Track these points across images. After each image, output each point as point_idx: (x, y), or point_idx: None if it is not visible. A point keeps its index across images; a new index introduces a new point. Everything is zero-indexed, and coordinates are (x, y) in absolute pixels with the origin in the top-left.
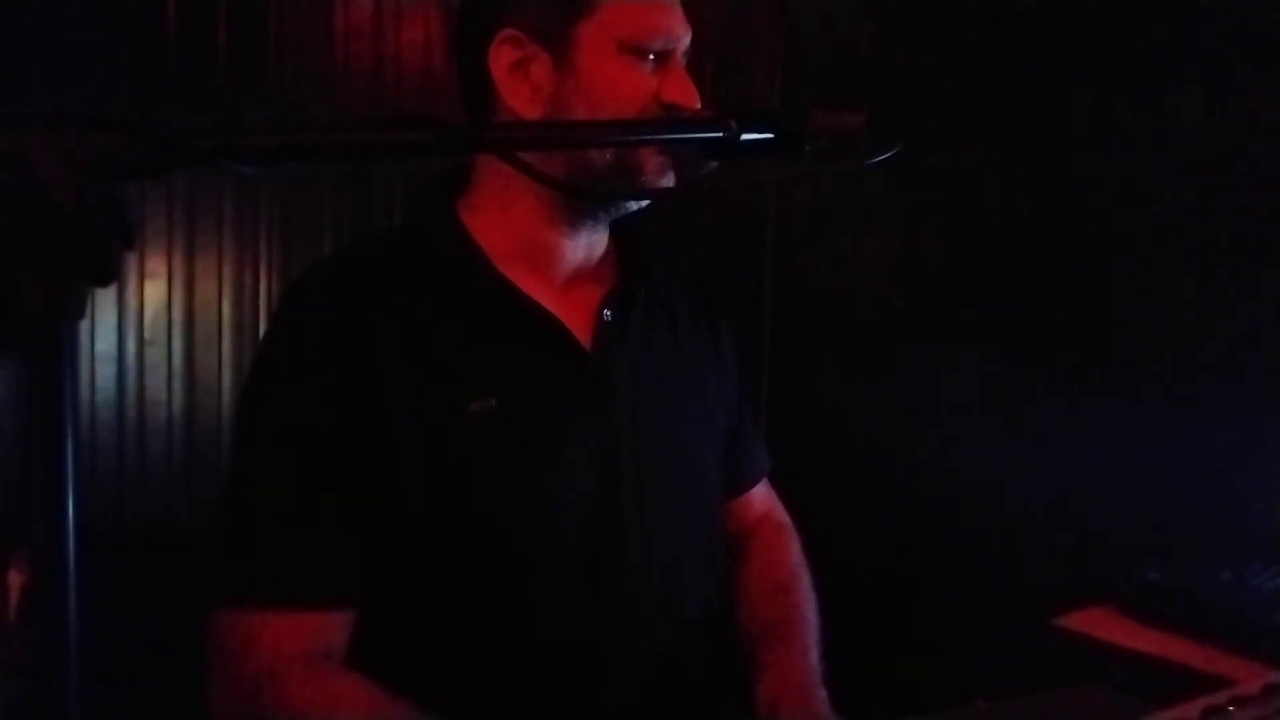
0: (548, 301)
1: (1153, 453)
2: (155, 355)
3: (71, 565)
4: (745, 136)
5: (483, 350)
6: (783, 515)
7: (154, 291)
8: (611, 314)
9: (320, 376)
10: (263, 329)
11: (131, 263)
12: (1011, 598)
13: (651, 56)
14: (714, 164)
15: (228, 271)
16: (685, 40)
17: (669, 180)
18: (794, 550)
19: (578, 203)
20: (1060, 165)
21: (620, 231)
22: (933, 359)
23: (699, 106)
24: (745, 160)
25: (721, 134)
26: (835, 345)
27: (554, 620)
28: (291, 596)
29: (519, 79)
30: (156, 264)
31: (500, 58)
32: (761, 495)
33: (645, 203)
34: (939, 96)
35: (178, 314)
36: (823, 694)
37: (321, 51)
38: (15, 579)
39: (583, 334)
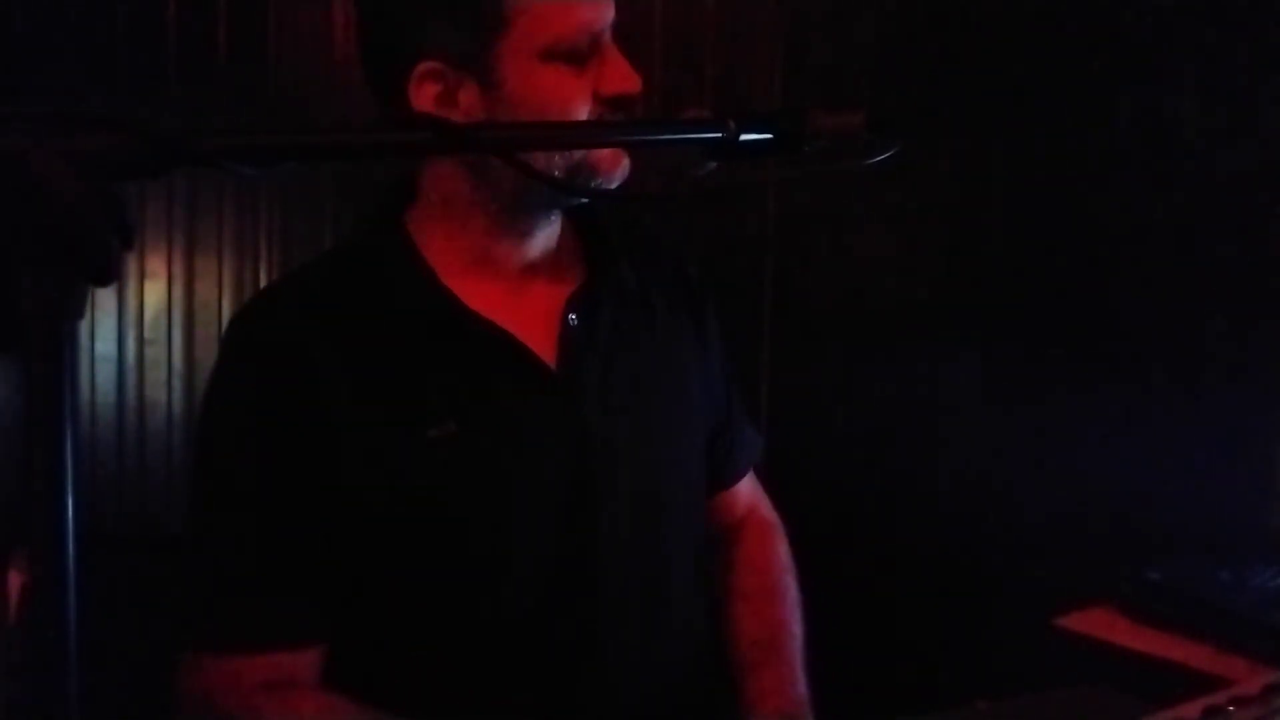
0: (504, 313)
1: (1153, 453)
2: (155, 355)
3: (71, 565)
4: (744, 137)
5: (439, 372)
6: (769, 511)
7: (154, 291)
8: (577, 318)
9: (266, 414)
10: None
11: (131, 263)
12: (1011, 598)
13: (580, 52)
14: (713, 164)
15: (228, 271)
16: (610, 17)
17: (625, 171)
18: (780, 551)
19: (529, 206)
20: (1061, 164)
21: (584, 223)
22: (933, 358)
23: (639, 89)
24: (745, 160)
25: (721, 134)
26: (835, 344)
27: (532, 642)
28: (253, 641)
29: (448, 110)
30: (156, 264)
31: (423, 93)
32: (748, 489)
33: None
34: (939, 96)
35: (178, 314)
36: None
37: (321, 51)
38: (15, 579)
39: (546, 343)
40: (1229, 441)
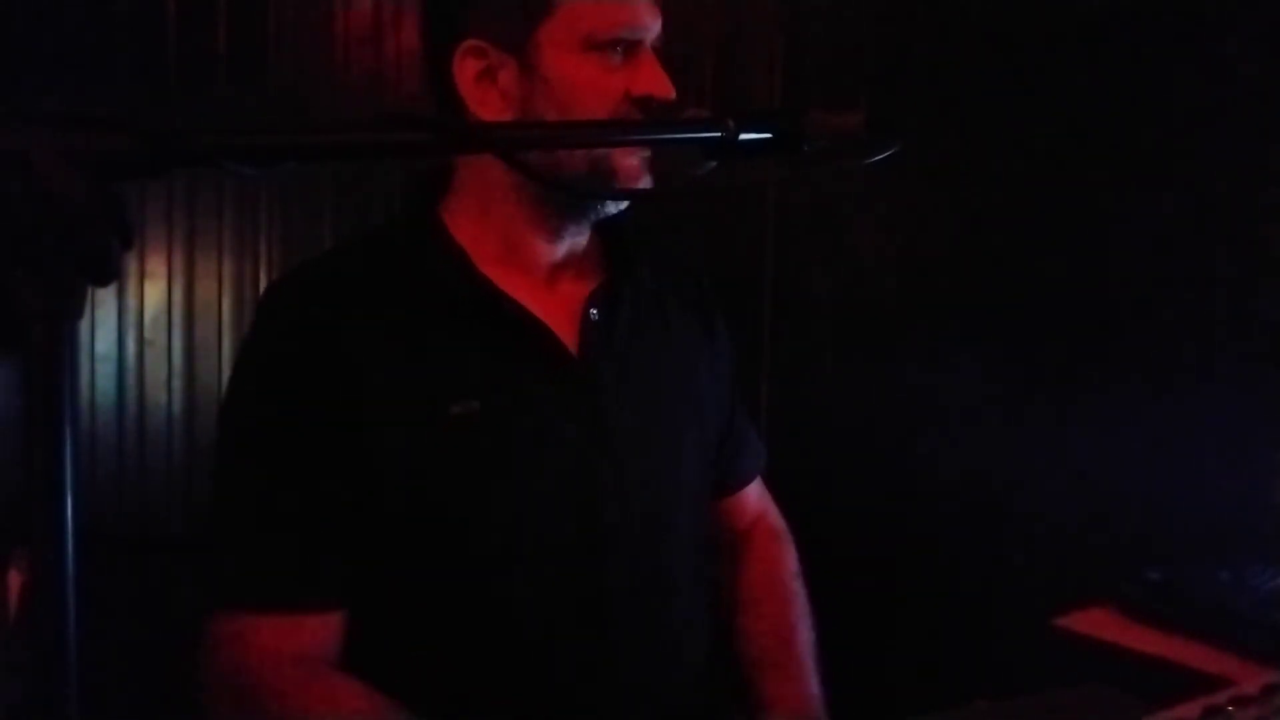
0: (532, 302)
1: (1153, 453)
2: (155, 355)
3: (71, 565)
4: (744, 136)
5: (465, 352)
6: (777, 519)
7: (154, 291)
8: (598, 313)
9: (296, 383)
10: None
11: (131, 263)
12: (1011, 598)
13: (619, 49)
14: (713, 164)
15: (228, 271)
16: (655, 29)
17: (645, 182)
18: (790, 559)
19: (559, 207)
20: (1061, 164)
21: (606, 227)
22: (933, 359)
23: (672, 96)
24: (745, 160)
25: (720, 134)
26: (835, 345)
27: (538, 623)
28: (278, 600)
29: (486, 88)
30: (156, 264)
31: (465, 69)
32: (755, 496)
33: (624, 204)
34: (939, 95)
35: (178, 314)
36: None
37: (321, 51)
38: (15, 579)
39: (568, 334)
40: (1229, 442)
